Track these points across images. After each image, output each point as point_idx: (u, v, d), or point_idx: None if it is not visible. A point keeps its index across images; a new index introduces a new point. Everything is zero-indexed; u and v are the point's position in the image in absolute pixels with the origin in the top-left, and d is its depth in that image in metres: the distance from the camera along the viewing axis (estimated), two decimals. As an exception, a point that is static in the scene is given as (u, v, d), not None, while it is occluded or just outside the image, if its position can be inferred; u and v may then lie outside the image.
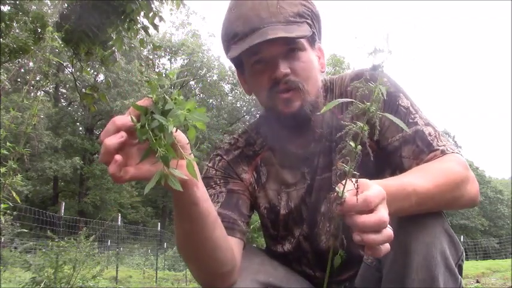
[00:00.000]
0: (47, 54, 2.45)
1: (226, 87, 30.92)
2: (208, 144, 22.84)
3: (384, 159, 1.05)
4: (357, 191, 0.71)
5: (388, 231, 0.71)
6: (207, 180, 1.08)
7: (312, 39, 1.05)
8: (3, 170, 2.21)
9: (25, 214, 5.79)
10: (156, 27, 4.17)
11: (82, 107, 24.55)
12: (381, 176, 1.07)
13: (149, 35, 4.53)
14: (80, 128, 27.06)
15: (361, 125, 0.69)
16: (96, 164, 24.69)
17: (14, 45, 4.49)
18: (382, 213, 0.71)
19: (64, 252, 4.31)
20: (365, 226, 0.70)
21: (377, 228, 0.70)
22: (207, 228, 0.82)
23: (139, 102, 0.64)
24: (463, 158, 0.95)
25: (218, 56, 30.63)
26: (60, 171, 21.13)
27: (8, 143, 2.23)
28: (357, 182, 0.71)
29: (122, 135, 0.63)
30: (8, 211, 2.66)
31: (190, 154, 0.67)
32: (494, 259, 16.26)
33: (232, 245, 0.94)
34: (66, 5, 4.06)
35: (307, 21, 1.02)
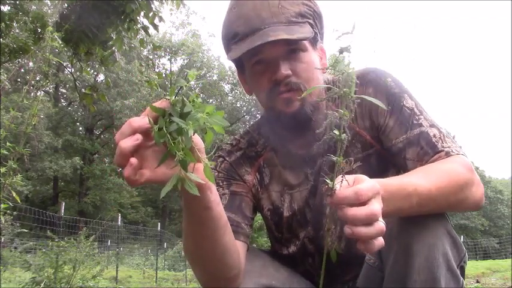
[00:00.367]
0: (47, 54, 2.45)
1: (226, 87, 30.91)
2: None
3: (387, 159, 1.05)
4: (347, 182, 0.71)
5: (380, 224, 0.70)
6: None
7: (314, 40, 1.04)
8: (3, 170, 2.21)
9: (25, 214, 5.78)
10: (156, 27, 4.17)
11: (82, 107, 24.55)
12: (384, 176, 1.07)
13: (149, 35, 4.53)
14: (80, 128, 27.05)
15: (342, 112, 0.68)
16: (96, 164, 24.69)
17: (14, 45, 4.49)
18: (374, 206, 0.70)
19: (64, 252, 4.31)
20: (355, 219, 0.69)
21: (368, 221, 0.69)
22: (218, 232, 0.82)
23: (157, 104, 0.62)
24: (468, 160, 0.93)
25: (218, 56, 30.61)
26: (60, 171, 21.12)
27: (8, 143, 2.22)
28: (342, 171, 0.70)
29: (137, 138, 0.61)
30: (8, 211, 2.66)
31: (205, 158, 0.66)
32: (494, 259, 16.25)
33: (238, 249, 0.94)
34: (66, 5, 4.06)
35: (309, 21, 1.00)
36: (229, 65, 29.87)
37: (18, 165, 2.28)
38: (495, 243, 22.51)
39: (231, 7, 1.04)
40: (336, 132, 0.69)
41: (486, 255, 19.45)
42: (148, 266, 12.15)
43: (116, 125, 24.29)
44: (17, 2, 4.84)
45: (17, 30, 5.08)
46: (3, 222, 2.77)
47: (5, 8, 4.91)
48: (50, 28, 2.55)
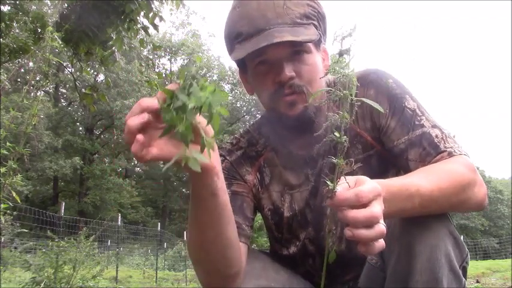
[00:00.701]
0: (47, 54, 2.45)
1: (226, 87, 30.91)
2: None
3: (387, 160, 1.05)
4: (348, 184, 0.71)
5: (381, 227, 0.70)
6: None
7: (318, 41, 1.03)
8: (3, 170, 2.21)
9: (25, 214, 5.78)
10: (156, 27, 4.17)
11: (82, 107, 24.55)
12: (384, 177, 1.07)
13: (149, 35, 4.53)
14: (80, 128, 27.06)
15: (343, 114, 0.69)
16: (96, 164, 24.70)
17: (14, 45, 4.49)
18: (375, 208, 0.70)
19: (64, 252, 4.31)
20: (356, 221, 0.69)
21: (368, 224, 0.69)
22: (222, 222, 0.82)
23: (168, 87, 0.65)
24: (470, 160, 0.93)
25: (218, 56, 30.64)
26: (60, 171, 21.13)
27: (8, 143, 2.22)
28: (344, 176, 0.70)
29: (144, 116, 0.64)
30: (8, 211, 2.65)
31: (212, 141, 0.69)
32: (494, 259, 16.27)
33: (240, 247, 0.94)
34: (66, 5, 4.06)
35: (314, 22, 1.00)
36: (229, 65, 29.90)
37: (18, 165, 2.28)
38: (495, 243, 22.53)
39: (234, 6, 1.03)
40: (337, 134, 0.69)
41: (486, 255, 19.47)
42: (148, 266, 12.15)
43: (115, 125, 24.31)
44: (17, 2, 4.84)
45: (17, 30, 5.07)
46: (3, 222, 2.77)
47: (5, 8, 4.91)
48: (50, 28, 2.55)
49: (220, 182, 0.77)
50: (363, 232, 0.69)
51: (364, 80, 1.04)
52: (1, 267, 4.62)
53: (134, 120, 0.64)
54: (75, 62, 4.35)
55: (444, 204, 0.86)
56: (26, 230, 5.88)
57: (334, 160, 0.70)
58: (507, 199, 32.25)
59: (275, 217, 1.13)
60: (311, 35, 0.96)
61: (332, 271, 0.93)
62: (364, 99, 0.72)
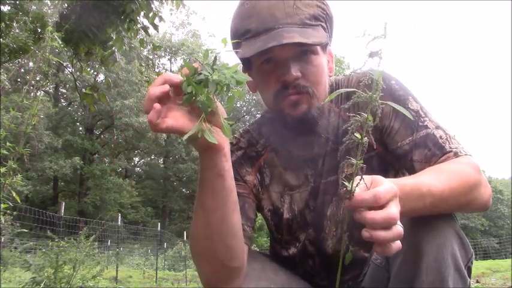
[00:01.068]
0: (47, 54, 2.45)
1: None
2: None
3: (387, 161, 1.05)
4: (366, 185, 0.70)
5: (398, 228, 0.70)
6: None
7: (326, 43, 1.03)
8: (3, 170, 2.21)
9: (25, 214, 5.78)
10: (156, 27, 4.17)
11: (82, 107, 24.55)
12: (386, 177, 1.06)
13: (149, 35, 4.53)
14: (80, 128, 27.05)
15: (366, 115, 0.69)
16: (96, 164, 24.69)
17: (14, 45, 4.49)
18: (392, 209, 0.70)
19: (64, 252, 4.31)
20: (374, 222, 0.69)
21: (386, 225, 0.69)
22: (227, 207, 0.82)
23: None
24: (475, 161, 0.94)
25: (219, 53, 30.58)
26: (60, 171, 21.12)
27: (8, 143, 2.22)
28: (361, 177, 0.70)
29: (165, 87, 0.68)
30: (8, 211, 2.65)
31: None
32: (494, 259, 16.25)
33: (244, 239, 0.94)
34: (66, 5, 4.05)
35: (322, 24, 0.99)
36: (229, 65, 29.83)
37: (18, 165, 2.28)
38: (495, 243, 22.51)
39: (243, 2, 1.02)
40: (358, 135, 0.69)
41: (486, 255, 19.45)
42: (148, 266, 12.15)
43: (115, 125, 24.31)
44: (17, 2, 4.83)
45: (17, 30, 5.07)
46: (3, 222, 2.77)
47: (5, 8, 4.91)
48: (50, 28, 2.55)
49: (228, 165, 0.79)
50: (381, 233, 0.69)
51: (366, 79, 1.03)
52: (1, 267, 4.62)
53: (155, 90, 0.68)
54: (75, 62, 4.35)
55: (453, 204, 0.87)
56: (26, 230, 5.88)
57: (353, 161, 0.69)
58: (507, 199, 32.24)
59: (275, 218, 1.12)
60: (320, 37, 0.96)
61: (332, 271, 0.93)
62: (390, 103, 0.72)
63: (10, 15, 4.60)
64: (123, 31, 4.03)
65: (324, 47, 1.04)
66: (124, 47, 4.15)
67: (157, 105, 0.67)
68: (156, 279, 9.59)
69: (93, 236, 4.87)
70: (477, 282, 6.97)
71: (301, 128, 1.02)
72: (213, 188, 0.80)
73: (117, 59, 4.30)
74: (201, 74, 0.67)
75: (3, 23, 4.42)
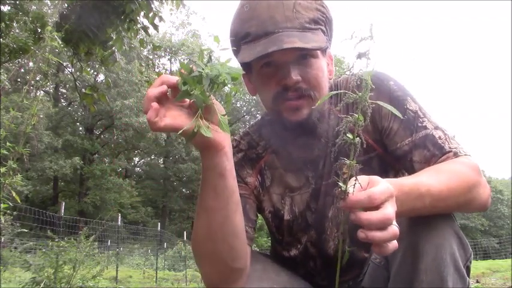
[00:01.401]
0: (47, 54, 2.45)
1: (226, 88, 30.86)
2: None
3: (387, 162, 1.05)
4: (361, 185, 0.71)
5: (394, 228, 0.71)
6: None
7: (324, 48, 1.03)
8: (3, 170, 2.21)
9: (25, 214, 5.78)
10: (156, 27, 4.17)
11: (82, 107, 24.55)
12: (385, 177, 1.06)
13: (149, 35, 4.53)
14: (80, 128, 27.04)
15: (357, 116, 0.69)
16: (96, 164, 24.69)
17: (14, 45, 4.49)
18: (388, 210, 0.70)
19: (64, 252, 4.30)
20: (369, 223, 0.69)
21: (382, 226, 0.70)
22: (230, 207, 0.83)
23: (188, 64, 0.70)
24: (475, 161, 0.94)
25: (218, 56, 30.55)
26: (60, 171, 21.12)
27: (8, 143, 2.22)
28: (356, 177, 0.70)
29: (163, 87, 0.72)
30: (8, 211, 2.65)
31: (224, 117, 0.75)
32: (494, 259, 16.26)
33: (246, 239, 0.94)
34: (66, 5, 4.06)
35: (322, 27, 0.99)
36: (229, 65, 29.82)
37: (18, 165, 2.28)
38: (495, 243, 22.51)
39: (243, 5, 1.02)
40: (350, 135, 0.69)
41: (486, 255, 19.46)
42: (148, 266, 12.14)
43: (115, 125, 24.31)
44: (17, 2, 4.83)
45: (17, 30, 5.08)
46: (3, 222, 2.77)
47: (5, 8, 4.91)
48: (50, 28, 2.55)
49: (229, 164, 0.80)
50: (377, 234, 0.69)
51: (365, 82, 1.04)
52: (1, 267, 4.62)
53: (153, 90, 0.71)
54: (75, 62, 4.35)
55: (452, 204, 0.87)
56: (26, 230, 5.87)
57: (347, 161, 0.69)
58: (507, 199, 32.24)
59: (275, 219, 1.12)
60: (320, 41, 0.95)
61: (333, 271, 0.93)
62: (380, 102, 0.72)
63: (10, 15, 4.61)
64: (123, 31, 4.04)
65: (324, 50, 1.03)
66: (124, 47, 4.15)
67: (155, 104, 0.69)
68: (156, 279, 9.59)
69: (93, 236, 4.86)
70: (477, 282, 6.97)
71: (301, 130, 1.02)
72: (215, 188, 0.80)
73: (117, 59, 4.30)
74: (195, 70, 0.69)
75: (3, 23, 4.42)
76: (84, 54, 4.17)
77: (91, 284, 4.43)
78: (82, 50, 4.08)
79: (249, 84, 1.10)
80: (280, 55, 0.95)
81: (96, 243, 5.26)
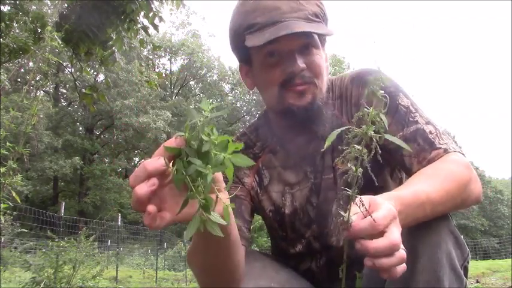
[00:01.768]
0: (47, 54, 2.45)
1: (226, 87, 30.92)
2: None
3: (382, 158, 1.05)
4: (363, 214, 0.69)
5: (401, 253, 0.69)
6: None
7: (324, 41, 1.06)
8: (3, 170, 2.21)
9: (25, 214, 5.79)
10: (156, 27, 4.17)
11: (82, 107, 24.55)
12: (381, 173, 1.07)
13: (149, 35, 4.53)
14: (80, 128, 27.05)
15: (360, 148, 0.67)
16: (96, 164, 24.69)
17: (14, 45, 4.49)
18: (394, 235, 0.69)
19: (64, 252, 4.31)
20: (376, 252, 0.68)
21: (389, 252, 0.68)
22: (232, 253, 0.84)
23: (170, 143, 0.59)
24: (465, 157, 0.95)
25: (218, 56, 30.64)
26: (60, 171, 21.12)
27: (8, 143, 2.22)
28: (363, 205, 0.69)
29: (153, 183, 0.59)
30: (8, 211, 2.65)
31: (226, 198, 0.64)
32: (494, 259, 16.25)
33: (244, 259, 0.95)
34: (66, 5, 4.06)
35: (321, 22, 1.02)
36: (229, 65, 29.88)
37: (18, 165, 2.28)
38: (495, 243, 22.51)
39: (242, 2, 1.03)
40: (353, 167, 0.67)
41: (486, 255, 19.45)
42: (148, 266, 12.15)
43: (115, 125, 24.31)
44: (17, 2, 4.84)
45: (17, 30, 5.08)
46: (3, 222, 2.77)
47: (5, 8, 4.91)
48: (49, 28, 2.55)
49: (232, 219, 0.76)
50: (384, 261, 0.68)
51: (359, 79, 1.06)
52: (1, 267, 4.62)
53: (143, 189, 0.58)
54: (75, 62, 4.35)
55: (450, 205, 0.87)
56: (26, 230, 5.88)
57: (349, 192, 0.68)
58: (507, 199, 32.22)
59: (277, 217, 1.13)
60: (326, 30, 0.99)
61: (333, 272, 0.93)
62: (387, 136, 0.70)
63: (10, 15, 4.61)
64: (123, 31, 4.03)
65: (323, 44, 1.06)
66: (124, 47, 4.15)
67: (151, 209, 0.59)
68: (156, 279, 9.60)
69: (93, 236, 4.87)
70: (477, 282, 6.97)
71: (304, 120, 1.03)
72: (218, 245, 0.78)
73: (117, 59, 4.30)
74: (190, 163, 0.57)
75: (3, 23, 4.42)
76: (84, 54, 4.17)
77: (91, 284, 4.43)
78: (82, 50, 4.07)
79: (247, 78, 1.11)
80: (286, 43, 0.97)
81: (96, 243, 5.26)
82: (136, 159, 30.91)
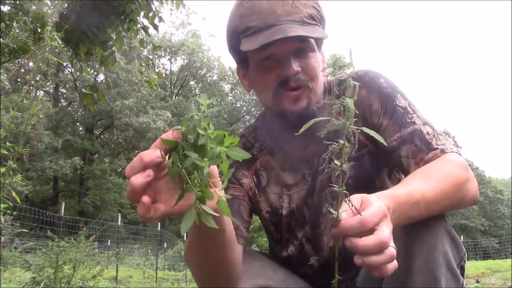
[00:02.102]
0: (47, 54, 2.45)
1: (226, 87, 30.92)
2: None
3: (380, 158, 1.05)
4: (352, 211, 0.69)
5: (391, 250, 0.69)
6: None
7: (320, 43, 1.06)
8: (3, 170, 2.21)
9: (25, 214, 5.78)
10: (156, 27, 4.17)
11: (82, 107, 24.54)
12: (379, 175, 1.07)
13: (149, 35, 4.53)
14: (80, 128, 27.05)
15: (342, 142, 0.67)
16: (96, 164, 24.69)
17: (14, 45, 4.48)
18: (383, 233, 0.69)
19: (64, 252, 4.31)
20: (365, 249, 0.68)
21: (378, 250, 0.68)
22: (227, 249, 0.84)
23: (167, 135, 0.60)
24: (462, 158, 0.95)
25: (218, 56, 30.63)
26: (60, 171, 21.12)
27: (8, 143, 2.22)
28: (352, 204, 0.69)
29: (149, 174, 0.59)
30: (8, 211, 2.66)
31: (221, 190, 0.65)
32: (494, 259, 16.25)
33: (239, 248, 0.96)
34: (66, 5, 4.06)
35: (318, 24, 1.02)
36: (229, 65, 29.87)
37: (18, 165, 2.28)
38: (495, 243, 22.50)
39: (240, 3, 1.04)
40: (337, 162, 0.68)
41: (486, 255, 19.44)
42: (148, 266, 12.14)
43: (115, 125, 24.31)
44: (17, 2, 4.84)
45: (17, 30, 5.07)
46: (3, 222, 2.77)
47: (5, 8, 4.91)
48: (50, 28, 2.55)
49: (227, 218, 0.76)
50: (374, 259, 0.68)
51: (356, 80, 1.05)
52: (1, 267, 4.62)
53: (138, 179, 0.59)
54: (75, 62, 4.34)
55: (445, 204, 0.87)
56: (26, 230, 5.88)
57: (336, 188, 0.68)
58: (507, 199, 32.22)
59: (273, 218, 1.13)
60: (321, 33, 0.99)
61: (330, 271, 0.93)
62: (364, 129, 0.72)
63: (10, 15, 4.61)
64: (123, 31, 4.04)
65: (319, 46, 1.06)
66: (124, 47, 4.15)
67: (146, 200, 0.60)
68: (156, 279, 9.60)
69: (93, 236, 4.88)
70: (477, 282, 6.97)
71: (299, 124, 1.03)
72: (215, 242, 0.80)
73: (117, 59, 4.30)
74: (186, 156, 0.57)
75: (3, 23, 4.42)
76: (84, 54, 4.17)
77: (91, 284, 4.43)
78: (82, 50, 4.07)
79: (244, 81, 1.11)
80: (281, 46, 0.97)
81: (96, 243, 5.27)
82: (136, 159, 30.89)
